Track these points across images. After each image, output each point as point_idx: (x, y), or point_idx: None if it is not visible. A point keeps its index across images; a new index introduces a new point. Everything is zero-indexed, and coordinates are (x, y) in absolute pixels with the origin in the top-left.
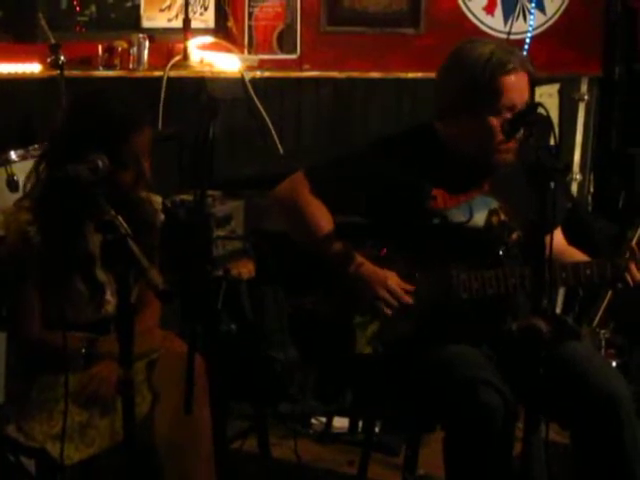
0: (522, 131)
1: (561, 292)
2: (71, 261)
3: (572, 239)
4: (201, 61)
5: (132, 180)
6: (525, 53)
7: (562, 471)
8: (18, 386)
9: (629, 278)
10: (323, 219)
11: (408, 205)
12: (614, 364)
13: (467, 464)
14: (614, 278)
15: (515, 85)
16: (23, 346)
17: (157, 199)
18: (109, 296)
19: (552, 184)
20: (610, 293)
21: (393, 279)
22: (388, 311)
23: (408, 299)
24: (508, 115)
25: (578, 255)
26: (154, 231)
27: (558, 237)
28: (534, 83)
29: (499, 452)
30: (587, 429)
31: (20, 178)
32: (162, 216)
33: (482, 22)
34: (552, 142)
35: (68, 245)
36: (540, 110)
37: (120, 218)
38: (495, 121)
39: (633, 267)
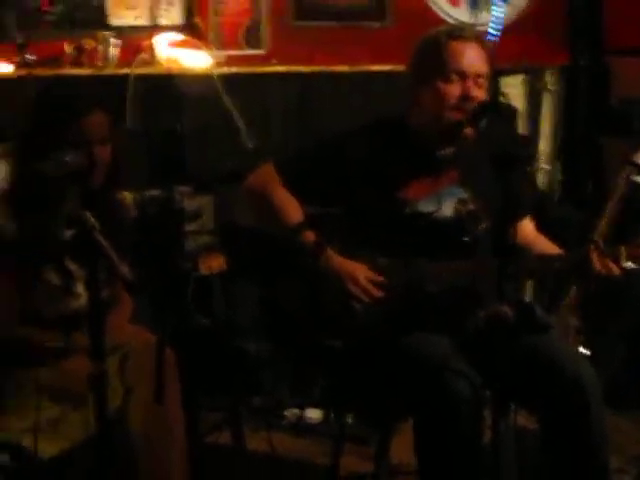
0: (486, 120)
1: (530, 282)
2: (43, 254)
3: (540, 230)
4: (168, 58)
5: (101, 175)
6: (491, 44)
7: (531, 456)
8: None
9: (592, 270)
10: (293, 210)
11: (377, 196)
12: (581, 351)
13: (437, 451)
14: (579, 270)
15: (462, 51)
16: None
17: (129, 195)
18: (80, 289)
19: (520, 174)
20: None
21: (362, 272)
22: (357, 305)
23: (377, 293)
24: (457, 80)
25: (548, 245)
26: (125, 226)
27: (527, 227)
28: (497, 73)
29: (468, 438)
30: (555, 414)
31: None
32: (134, 212)
33: (447, 14)
34: (519, 132)
35: (40, 238)
36: (503, 100)
37: (89, 213)
38: (444, 86)
39: (596, 259)
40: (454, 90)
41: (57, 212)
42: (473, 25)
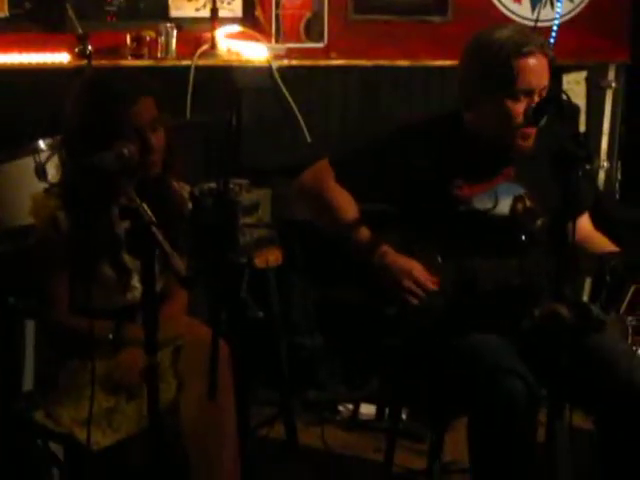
0: (546, 118)
1: (588, 279)
2: (99, 246)
3: (598, 229)
4: (228, 50)
5: (157, 163)
6: (552, 40)
7: (586, 457)
8: (46, 372)
9: None
10: (347, 207)
11: (433, 192)
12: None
13: (491, 450)
14: (637, 269)
15: (531, 68)
16: (51, 332)
17: (185, 187)
18: (136, 282)
19: (579, 173)
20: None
21: (418, 269)
22: (414, 301)
23: (432, 287)
24: (524, 98)
25: (605, 243)
26: (182, 219)
27: (585, 224)
28: (559, 70)
29: (522, 438)
30: (611, 416)
31: (48, 167)
32: (190, 204)
33: (509, 9)
34: (579, 129)
35: (96, 230)
36: (565, 97)
37: (145, 205)
38: (512, 104)
39: None
40: (521, 108)
41: (112, 204)
42: (534, 22)
